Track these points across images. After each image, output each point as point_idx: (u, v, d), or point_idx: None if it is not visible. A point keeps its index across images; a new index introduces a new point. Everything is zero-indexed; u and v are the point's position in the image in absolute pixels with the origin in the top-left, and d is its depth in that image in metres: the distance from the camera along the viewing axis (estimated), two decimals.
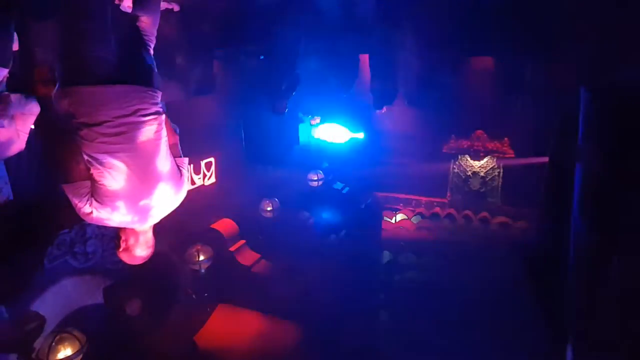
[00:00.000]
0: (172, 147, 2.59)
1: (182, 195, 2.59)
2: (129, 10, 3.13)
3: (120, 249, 2.57)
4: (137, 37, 2.39)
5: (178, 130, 2.67)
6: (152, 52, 2.46)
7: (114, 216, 2.36)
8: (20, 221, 3.64)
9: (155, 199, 2.41)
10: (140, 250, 2.58)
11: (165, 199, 2.48)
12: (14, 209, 3.62)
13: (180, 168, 2.58)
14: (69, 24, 2.28)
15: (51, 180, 3.76)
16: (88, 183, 2.31)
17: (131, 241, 2.54)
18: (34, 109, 2.81)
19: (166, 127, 2.51)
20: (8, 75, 2.61)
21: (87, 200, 2.31)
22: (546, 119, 8.78)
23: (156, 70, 2.44)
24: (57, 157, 2.63)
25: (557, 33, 6.91)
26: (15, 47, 2.75)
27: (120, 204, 2.32)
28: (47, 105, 2.32)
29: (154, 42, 2.48)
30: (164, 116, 2.40)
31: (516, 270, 7.72)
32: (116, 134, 2.21)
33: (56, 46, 2.29)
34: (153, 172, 2.36)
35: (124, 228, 2.52)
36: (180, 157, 2.65)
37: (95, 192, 2.31)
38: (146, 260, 2.65)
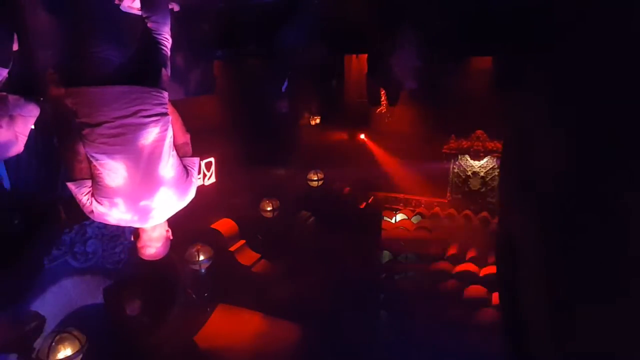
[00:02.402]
0: (183, 146, 2.58)
1: (187, 200, 2.57)
2: (130, 10, 3.13)
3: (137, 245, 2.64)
4: (147, 38, 2.38)
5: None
6: (167, 51, 2.45)
7: (112, 212, 2.36)
8: (21, 220, 3.64)
9: (157, 201, 2.40)
10: (150, 248, 2.61)
11: (168, 203, 2.47)
12: (13, 209, 3.62)
13: (189, 169, 2.56)
14: (71, 24, 2.28)
15: (51, 180, 3.76)
16: (89, 182, 2.33)
17: (141, 239, 2.59)
18: (34, 111, 2.79)
19: (176, 125, 2.50)
20: (7, 76, 2.61)
21: (89, 199, 2.33)
22: None
23: (168, 70, 2.42)
24: (60, 155, 2.63)
25: (557, 33, 6.91)
26: (15, 47, 2.75)
27: (119, 201, 2.33)
28: (56, 106, 2.32)
29: (169, 40, 2.46)
30: (169, 117, 2.38)
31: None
32: (115, 135, 2.20)
33: (59, 46, 2.29)
34: (155, 176, 2.35)
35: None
36: (191, 156, 2.63)
37: (96, 191, 2.32)
38: (159, 257, 2.69)
